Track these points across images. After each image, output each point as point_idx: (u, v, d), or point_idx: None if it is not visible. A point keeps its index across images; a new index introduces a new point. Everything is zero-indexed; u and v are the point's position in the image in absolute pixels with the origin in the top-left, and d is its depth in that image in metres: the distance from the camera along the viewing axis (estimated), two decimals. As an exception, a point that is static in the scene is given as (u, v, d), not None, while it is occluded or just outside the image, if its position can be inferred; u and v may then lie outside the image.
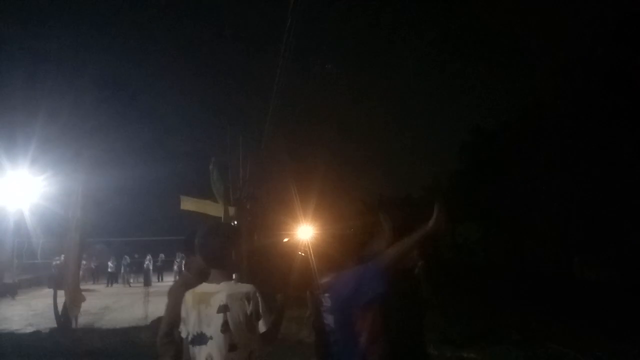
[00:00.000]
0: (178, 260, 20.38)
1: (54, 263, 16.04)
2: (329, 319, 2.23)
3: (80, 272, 10.34)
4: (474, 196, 13.15)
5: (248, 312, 2.05)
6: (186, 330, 2.13)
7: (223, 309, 2.04)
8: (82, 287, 15.82)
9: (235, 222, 9.21)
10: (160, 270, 21.08)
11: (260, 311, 2.06)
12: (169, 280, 20.15)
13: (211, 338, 2.04)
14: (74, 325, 8.30)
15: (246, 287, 2.11)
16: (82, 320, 8.85)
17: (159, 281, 20.30)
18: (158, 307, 10.43)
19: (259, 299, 2.08)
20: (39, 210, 10.52)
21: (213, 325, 2.04)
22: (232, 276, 2.20)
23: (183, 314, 2.15)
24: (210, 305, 2.07)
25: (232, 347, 2.02)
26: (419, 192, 17.43)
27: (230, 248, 2.19)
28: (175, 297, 2.39)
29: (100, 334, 7.77)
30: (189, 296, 2.16)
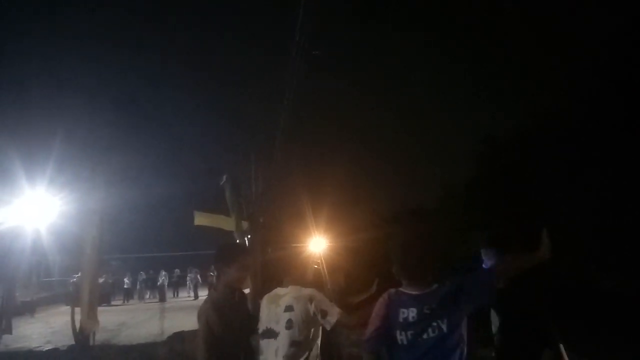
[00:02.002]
0: (191, 275, 20.47)
1: (71, 281, 16.21)
2: (406, 335, 2.04)
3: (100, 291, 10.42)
4: (488, 205, 13.05)
5: (311, 312, 2.36)
6: (260, 326, 2.49)
7: (288, 309, 2.39)
8: (106, 306, 15.97)
9: (249, 237, 9.24)
10: (176, 285, 21.15)
11: (325, 308, 2.37)
12: (183, 295, 20.22)
13: (278, 334, 2.38)
14: (91, 343, 8.35)
15: (309, 290, 2.46)
16: (100, 337, 8.92)
17: (174, 297, 20.36)
18: (173, 323, 10.49)
19: (322, 299, 2.41)
20: (56, 229, 10.67)
21: (280, 323, 2.39)
22: (299, 281, 2.57)
23: (260, 313, 2.54)
24: (279, 306, 2.43)
25: (293, 343, 2.33)
26: (433, 204, 17.32)
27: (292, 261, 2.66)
28: (206, 318, 2.48)
29: (118, 350, 7.82)
30: (264, 298, 2.57)
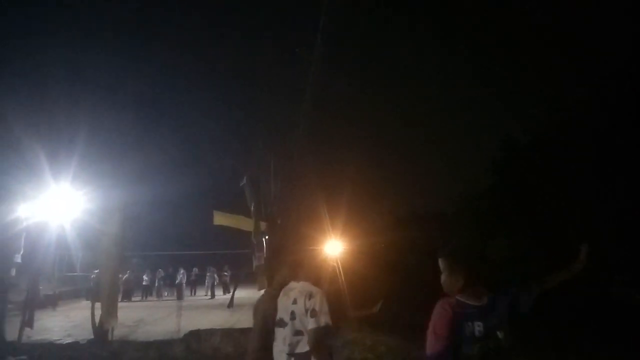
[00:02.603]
0: (209, 274, 20.66)
1: (92, 276, 16.53)
2: (474, 349, 1.98)
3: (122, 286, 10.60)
4: (505, 211, 12.84)
5: (305, 308, 2.48)
6: (277, 316, 2.67)
7: (294, 302, 2.56)
8: (126, 302, 16.22)
9: (267, 237, 9.30)
10: (194, 284, 21.35)
11: (316, 309, 2.46)
12: (201, 294, 20.42)
13: (287, 324, 2.56)
14: (110, 338, 8.51)
15: (312, 288, 2.60)
16: (118, 332, 9.07)
17: (191, 295, 20.56)
18: (190, 321, 10.61)
19: (319, 300, 2.49)
20: (79, 225, 10.90)
21: (288, 314, 2.57)
22: (311, 279, 2.72)
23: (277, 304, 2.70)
24: (289, 298, 2.61)
25: (297, 333, 2.50)
26: (451, 208, 17.12)
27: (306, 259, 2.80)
28: (263, 312, 2.83)
29: (135, 346, 7.93)
30: (282, 291, 2.74)
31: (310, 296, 2.51)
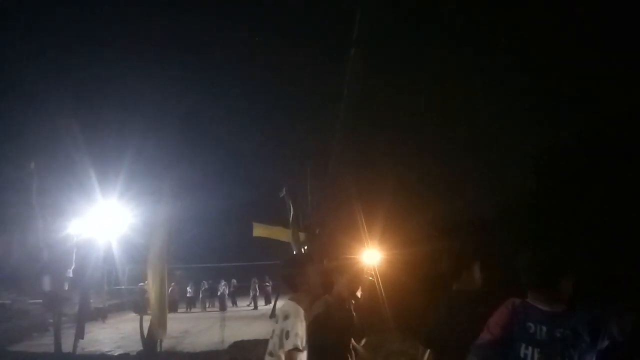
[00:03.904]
0: (253, 285, 20.96)
1: (137, 289, 17.07)
2: (532, 352, 1.92)
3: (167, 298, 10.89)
4: (552, 217, 12.35)
5: (281, 328, 2.39)
6: None
7: (274, 320, 2.52)
8: (172, 313, 16.64)
9: (306, 248, 9.36)
10: (234, 295, 21.66)
11: (289, 330, 2.36)
12: (242, 305, 20.69)
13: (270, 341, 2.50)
14: (158, 349, 8.74)
15: (291, 307, 2.48)
16: (165, 343, 9.32)
17: (232, 306, 20.86)
18: (233, 332, 10.76)
19: (292, 320, 2.39)
20: (124, 239, 11.32)
21: (271, 332, 2.51)
22: (301, 298, 2.58)
23: None
24: (276, 315, 2.57)
25: (270, 353, 2.44)
26: (492, 215, 16.62)
27: (299, 275, 2.61)
28: (321, 321, 2.85)
29: (182, 357, 8.13)
30: None
31: (286, 317, 2.43)
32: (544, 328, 1.90)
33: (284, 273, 2.68)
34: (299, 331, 2.38)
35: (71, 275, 10.70)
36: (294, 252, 9.16)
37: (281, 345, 2.37)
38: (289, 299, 2.59)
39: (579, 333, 1.86)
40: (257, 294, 20.68)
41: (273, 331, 2.49)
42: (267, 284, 21.13)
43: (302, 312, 2.47)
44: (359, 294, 3.63)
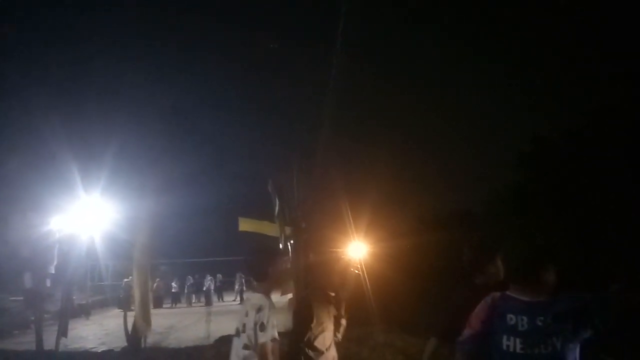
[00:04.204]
0: (237, 279, 20.86)
1: (122, 285, 16.88)
2: (514, 342, 1.91)
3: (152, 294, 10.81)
4: (535, 209, 12.50)
5: (254, 321, 2.39)
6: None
7: (245, 314, 2.49)
8: (157, 309, 16.52)
9: (292, 242, 9.31)
10: (220, 290, 21.57)
11: (265, 322, 2.37)
12: (229, 300, 20.62)
13: (239, 335, 2.49)
14: (143, 345, 8.66)
15: (260, 300, 2.48)
16: (150, 339, 9.23)
17: (218, 301, 20.78)
18: (219, 327, 10.70)
19: (267, 312, 2.40)
20: (108, 235, 11.16)
21: (241, 325, 2.50)
22: (268, 289, 2.61)
23: None
24: (245, 309, 2.52)
25: (245, 346, 2.42)
26: (478, 207, 16.80)
27: (267, 265, 2.59)
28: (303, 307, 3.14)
29: (167, 353, 8.06)
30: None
31: (259, 309, 2.43)
32: (525, 318, 1.90)
33: (252, 262, 2.64)
34: (274, 322, 2.41)
35: (53, 271, 10.51)
36: (281, 247, 9.12)
37: (257, 338, 2.37)
38: (255, 291, 2.59)
39: (561, 322, 1.86)
40: (244, 288, 20.62)
41: (244, 325, 2.46)
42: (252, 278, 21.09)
43: (272, 302, 2.49)
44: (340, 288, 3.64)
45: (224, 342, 7.84)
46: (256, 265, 2.62)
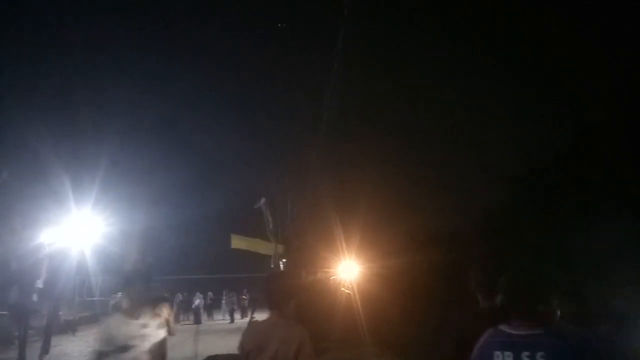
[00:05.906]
0: (227, 298, 20.62)
1: (111, 302, 16.62)
2: None
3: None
4: (526, 232, 12.53)
5: (291, 356, 2.16)
6: None
7: (275, 350, 2.21)
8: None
9: (284, 260, 9.29)
10: (210, 308, 21.27)
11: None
12: (218, 318, 20.32)
13: None
14: (129, 363, 8.49)
15: (296, 331, 2.25)
16: (137, 357, 9.05)
17: (208, 319, 20.46)
18: (208, 346, 10.54)
19: (307, 346, 2.19)
20: (98, 249, 11.06)
21: None
22: (288, 315, 2.34)
23: None
24: (275, 345, 2.24)
25: None
26: (469, 227, 16.79)
27: (293, 292, 2.36)
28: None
29: (154, 372, 7.89)
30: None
31: (299, 344, 2.25)
32: (510, 354, 1.86)
33: (274, 286, 2.40)
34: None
35: (41, 286, 10.37)
36: (273, 265, 9.09)
37: None
38: (274, 318, 2.35)
39: (554, 356, 1.80)
40: (235, 307, 20.36)
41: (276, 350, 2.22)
42: (244, 297, 20.83)
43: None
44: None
45: (212, 362, 7.72)
46: (278, 291, 2.37)
